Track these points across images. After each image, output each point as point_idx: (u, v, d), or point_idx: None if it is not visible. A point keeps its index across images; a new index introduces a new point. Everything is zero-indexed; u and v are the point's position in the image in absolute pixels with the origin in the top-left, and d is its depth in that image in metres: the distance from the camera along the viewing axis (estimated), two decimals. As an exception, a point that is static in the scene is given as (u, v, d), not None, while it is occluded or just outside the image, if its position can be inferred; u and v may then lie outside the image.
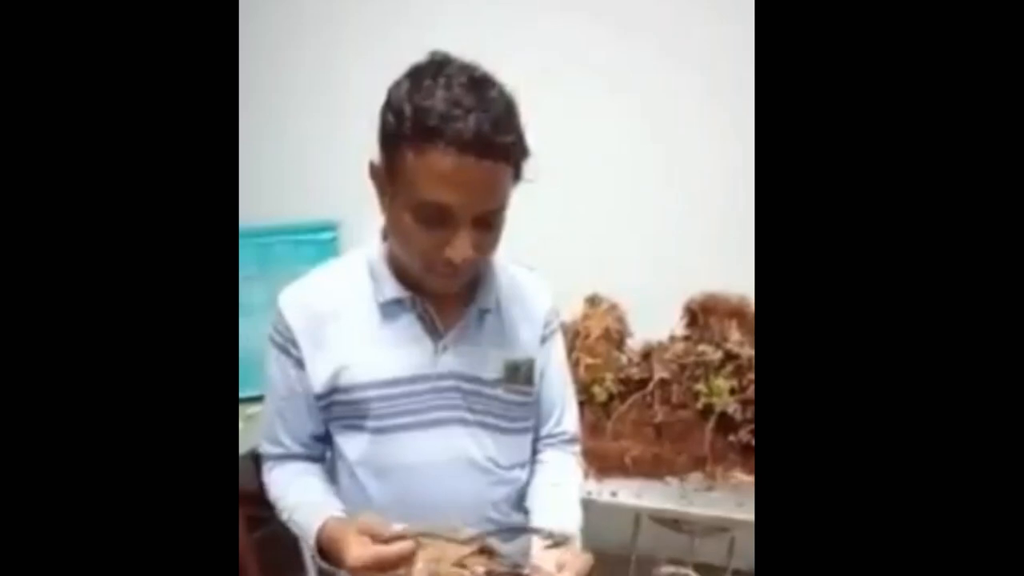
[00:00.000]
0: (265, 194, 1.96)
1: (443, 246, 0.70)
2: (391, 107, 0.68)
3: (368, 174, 0.74)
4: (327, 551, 0.75)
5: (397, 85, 0.68)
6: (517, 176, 0.72)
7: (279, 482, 0.88)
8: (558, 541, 0.79)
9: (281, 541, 1.75)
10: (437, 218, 0.68)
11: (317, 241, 2.02)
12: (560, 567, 0.71)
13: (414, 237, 0.71)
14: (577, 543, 0.81)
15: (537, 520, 0.85)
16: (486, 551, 0.69)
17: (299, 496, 0.84)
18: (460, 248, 0.70)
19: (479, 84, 0.67)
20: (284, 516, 0.85)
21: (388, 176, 0.71)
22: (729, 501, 1.39)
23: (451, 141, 0.64)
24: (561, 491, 0.90)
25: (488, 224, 0.71)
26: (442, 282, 0.76)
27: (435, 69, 0.67)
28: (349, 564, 0.68)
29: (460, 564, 0.67)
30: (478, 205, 0.68)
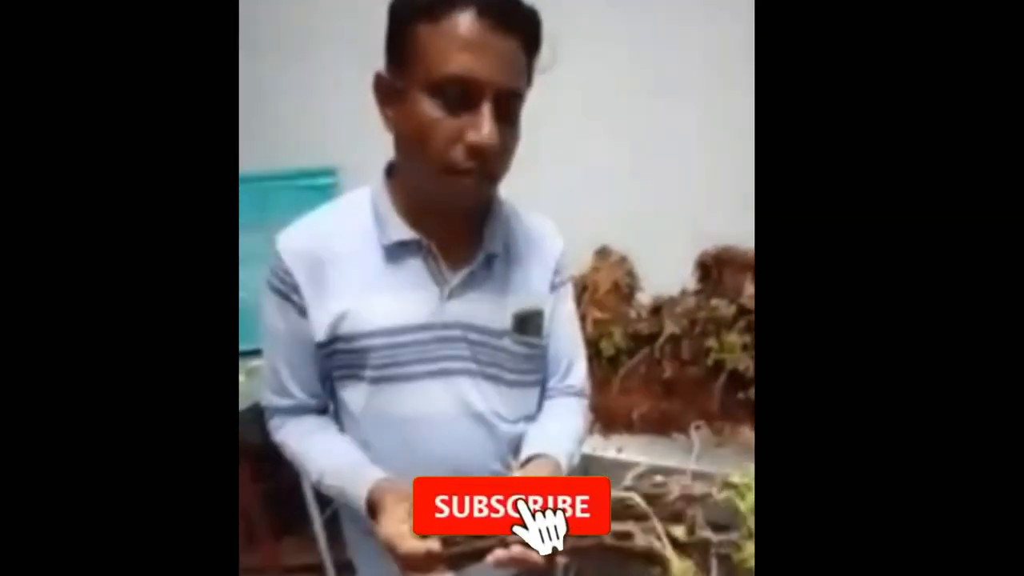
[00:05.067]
0: (262, 139, 1.88)
1: (466, 129, 0.66)
2: None
3: (373, 90, 0.72)
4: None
5: None
6: (529, 80, 0.71)
7: (296, 441, 0.84)
8: (529, 458, 0.75)
9: (285, 494, 1.78)
10: (459, 95, 0.65)
11: (316, 187, 1.96)
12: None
13: (434, 128, 0.66)
14: (561, 469, 0.76)
15: (525, 451, 0.80)
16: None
17: (328, 458, 0.80)
18: (485, 126, 0.65)
19: None
20: (313, 478, 0.81)
21: (399, 69, 0.68)
22: (737, 459, 1.37)
23: (471, 3, 0.63)
24: (552, 423, 0.86)
25: (507, 113, 0.68)
26: (462, 183, 0.70)
27: None
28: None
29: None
30: (501, 76, 0.65)
